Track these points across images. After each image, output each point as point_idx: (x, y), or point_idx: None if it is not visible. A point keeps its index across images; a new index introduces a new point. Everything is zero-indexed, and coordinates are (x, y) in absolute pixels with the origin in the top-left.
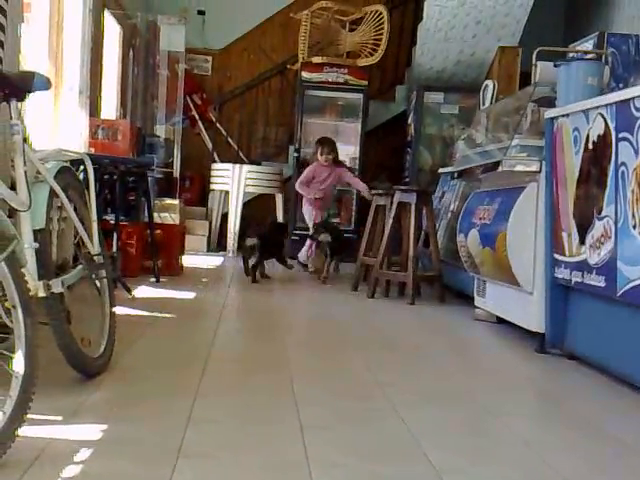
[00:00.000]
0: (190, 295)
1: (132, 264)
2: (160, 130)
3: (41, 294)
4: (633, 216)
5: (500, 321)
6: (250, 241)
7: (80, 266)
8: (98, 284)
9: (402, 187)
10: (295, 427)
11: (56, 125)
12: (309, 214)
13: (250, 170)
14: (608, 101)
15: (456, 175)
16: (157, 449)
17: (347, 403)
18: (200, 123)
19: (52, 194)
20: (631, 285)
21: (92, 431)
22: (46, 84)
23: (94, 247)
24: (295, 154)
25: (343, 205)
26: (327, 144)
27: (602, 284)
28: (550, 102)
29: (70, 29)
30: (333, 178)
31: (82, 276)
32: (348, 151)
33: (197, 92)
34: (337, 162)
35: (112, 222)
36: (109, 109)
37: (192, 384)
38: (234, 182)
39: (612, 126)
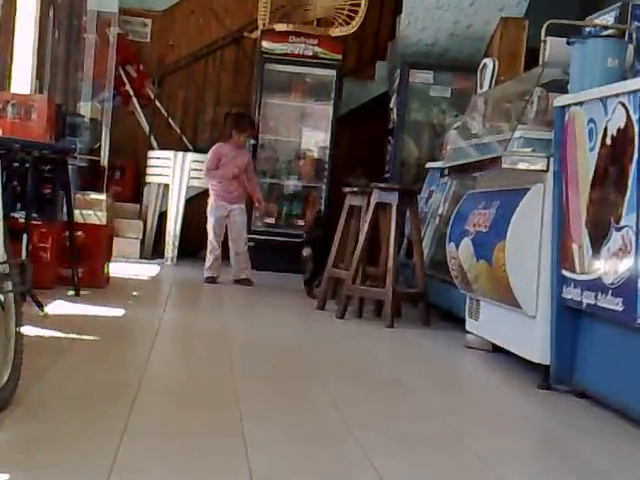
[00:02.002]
0: (117, 313)
1: (46, 273)
2: (85, 108)
3: None
4: None
5: (496, 349)
6: (305, 251)
7: None
8: (1, 298)
9: (381, 185)
10: (244, 478)
11: None
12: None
13: (195, 160)
14: (631, 87)
15: (447, 172)
16: None
17: (309, 448)
18: (135, 101)
19: None
20: None
21: None
22: None
23: None
24: (253, 142)
25: (309, 204)
26: (249, 122)
27: (619, 308)
28: (561, 87)
29: None
30: (243, 159)
31: None
32: (316, 138)
33: (132, 63)
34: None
35: (22, 221)
36: (21, 81)
37: (117, 423)
38: (175, 174)
39: (635, 118)
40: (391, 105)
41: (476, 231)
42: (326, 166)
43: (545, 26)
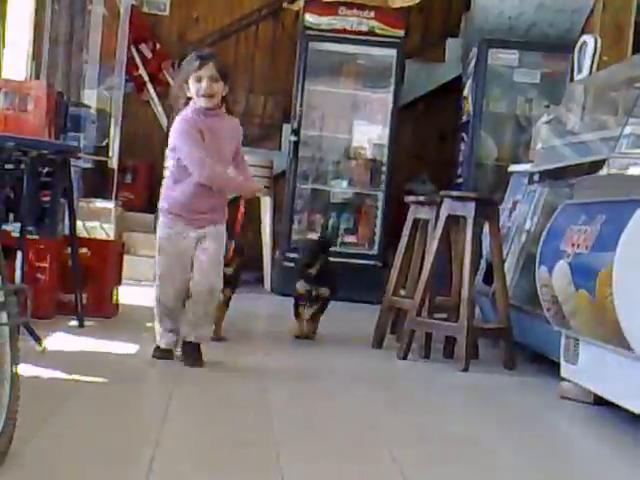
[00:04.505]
0: (130, 349)
1: (44, 299)
2: (91, 97)
3: None
4: None
5: (599, 401)
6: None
7: None
8: None
9: (454, 193)
10: None
11: None
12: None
13: None
14: None
15: (536, 177)
16: None
17: None
18: (150, 87)
19: None
20: None
21: None
22: None
23: None
24: (292, 137)
25: (362, 217)
26: (213, 61)
27: None
28: None
29: None
30: (232, 135)
31: None
32: (371, 134)
33: (147, 40)
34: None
35: (16, 235)
36: (16, 65)
37: None
38: None
39: None
40: (465, 93)
41: (575, 253)
42: (383, 169)
43: None
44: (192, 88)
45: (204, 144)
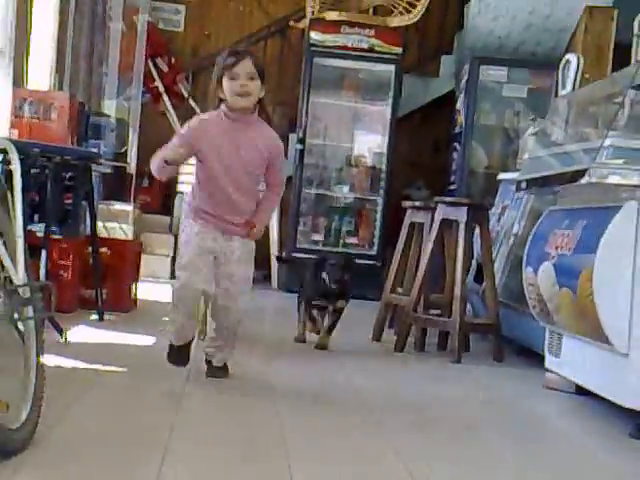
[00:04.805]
0: (147, 341)
1: (66, 294)
2: (110, 107)
3: None
4: None
5: (581, 391)
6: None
7: None
8: (21, 326)
9: (448, 199)
10: None
11: None
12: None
13: None
14: None
15: (523, 185)
16: None
17: None
18: (166, 98)
19: None
20: None
21: None
22: None
23: (18, 274)
24: (298, 146)
25: (362, 220)
26: (249, 57)
27: None
28: None
29: None
30: (258, 147)
31: None
32: (371, 143)
33: (163, 55)
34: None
35: (40, 235)
36: (40, 76)
37: (149, 472)
38: None
39: None
40: (458, 106)
41: (558, 254)
42: (382, 175)
43: (638, 19)
44: (226, 87)
45: (214, 150)
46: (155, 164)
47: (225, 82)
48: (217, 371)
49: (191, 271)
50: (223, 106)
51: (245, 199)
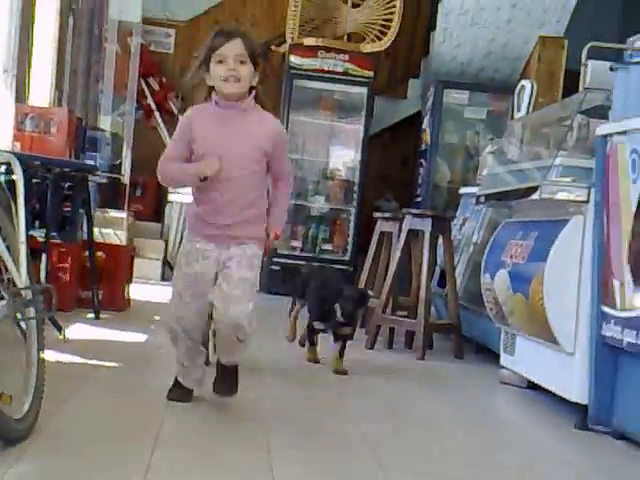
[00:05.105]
0: (139, 338)
1: (65, 294)
2: (105, 122)
3: None
4: None
5: (532, 386)
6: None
7: (2, 303)
8: (23, 325)
9: (414, 211)
10: None
11: None
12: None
13: None
14: None
15: (482, 199)
16: None
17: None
18: (157, 115)
19: None
20: None
21: None
22: None
23: (21, 277)
24: None
25: (337, 228)
26: (241, 38)
27: None
28: (604, 113)
29: None
30: (255, 137)
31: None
32: (345, 158)
33: (155, 74)
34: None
35: (41, 240)
36: (40, 93)
37: (142, 458)
38: None
39: None
40: (424, 125)
41: (513, 263)
42: (355, 188)
43: (586, 49)
44: (213, 71)
45: (203, 142)
46: (177, 177)
47: (212, 65)
48: (224, 373)
49: (177, 307)
50: (214, 94)
51: (239, 198)
